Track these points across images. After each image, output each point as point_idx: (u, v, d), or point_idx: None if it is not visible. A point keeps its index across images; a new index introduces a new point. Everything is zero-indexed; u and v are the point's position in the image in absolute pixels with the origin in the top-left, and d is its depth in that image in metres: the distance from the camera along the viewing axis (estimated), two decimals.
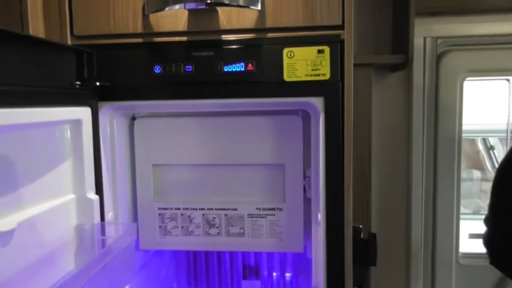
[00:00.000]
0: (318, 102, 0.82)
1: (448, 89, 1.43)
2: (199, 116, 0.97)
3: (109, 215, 0.90)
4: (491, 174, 1.98)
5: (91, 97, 0.80)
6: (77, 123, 0.76)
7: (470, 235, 1.54)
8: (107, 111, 0.87)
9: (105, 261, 0.71)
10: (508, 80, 1.56)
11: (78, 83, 0.76)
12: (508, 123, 1.55)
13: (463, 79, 1.43)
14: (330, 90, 0.81)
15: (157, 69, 0.82)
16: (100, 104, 0.84)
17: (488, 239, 0.86)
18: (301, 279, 1.32)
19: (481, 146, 2.07)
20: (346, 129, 0.82)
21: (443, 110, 1.44)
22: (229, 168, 0.97)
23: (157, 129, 0.97)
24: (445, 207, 1.45)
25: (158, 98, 0.84)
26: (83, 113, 0.77)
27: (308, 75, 0.81)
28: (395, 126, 1.44)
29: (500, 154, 1.92)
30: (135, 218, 1.01)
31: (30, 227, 0.66)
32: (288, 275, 1.33)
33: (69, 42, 0.82)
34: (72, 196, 0.77)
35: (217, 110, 0.95)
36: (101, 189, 0.84)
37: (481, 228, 0.94)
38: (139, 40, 0.83)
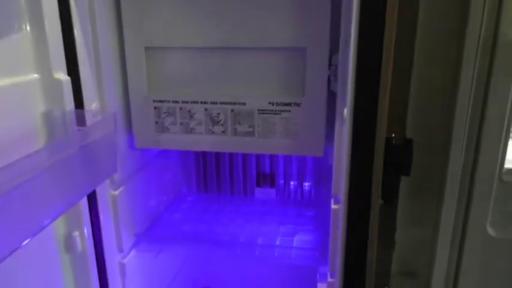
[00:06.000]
0: None
1: None
2: None
3: (93, 105, 0.75)
4: None
5: None
6: None
7: None
8: None
9: (80, 144, 0.57)
10: None
11: None
12: None
13: None
14: None
15: None
16: None
17: None
18: (321, 188, 1.20)
19: None
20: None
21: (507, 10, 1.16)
22: (238, 52, 0.79)
23: (149, 2, 0.78)
24: (494, 117, 1.25)
25: None
26: None
27: None
28: (446, 32, 1.18)
29: None
30: (127, 113, 0.87)
31: None
32: (306, 184, 1.21)
33: None
34: (35, 76, 0.61)
35: None
36: (76, 70, 0.68)
37: None
38: None
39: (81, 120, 0.67)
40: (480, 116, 1.29)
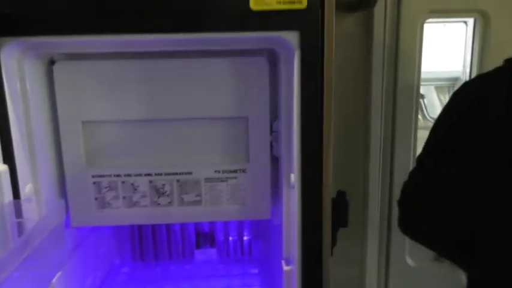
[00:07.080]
0: (292, 37, 0.66)
1: (409, 31, 1.32)
2: (138, 58, 0.77)
3: (27, 189, 0.69)
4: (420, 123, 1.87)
5: None
6: None
7: None
8: (12, 51, 0.65)
9: (24, 255, 0.52)
10: (465, 22, 1.50)
11: None
12: (464, 66, 1.49)
13: (424, 20, 1.33)
14: (307, 21, 0.65)
15: None
16: (0, 40, 0.62)
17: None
18: (259, 241, 1.21)
19: None
20: (327, 69, 0.67)
21: (403, 55, 1.34)
22: (181, 123, 0.80)
23: (84, 75, 0.76)
24: (403, 157, 1.39)
25: (81, 32, 0.63)
26: None
27: (280, 3, 0.64)
28: (354, 75, 1.32)
29: (431, 104, 1.83)
30: (63, 190, 0.81)
31: None
32: (245, 238, 1.22)
33: None
34: None
35: (161, 50, 0.75)
36: (12, 156, 0.63)
37: None
38: None
39: (18, 211, 0.62)
40: (390, 167, 1.41)
